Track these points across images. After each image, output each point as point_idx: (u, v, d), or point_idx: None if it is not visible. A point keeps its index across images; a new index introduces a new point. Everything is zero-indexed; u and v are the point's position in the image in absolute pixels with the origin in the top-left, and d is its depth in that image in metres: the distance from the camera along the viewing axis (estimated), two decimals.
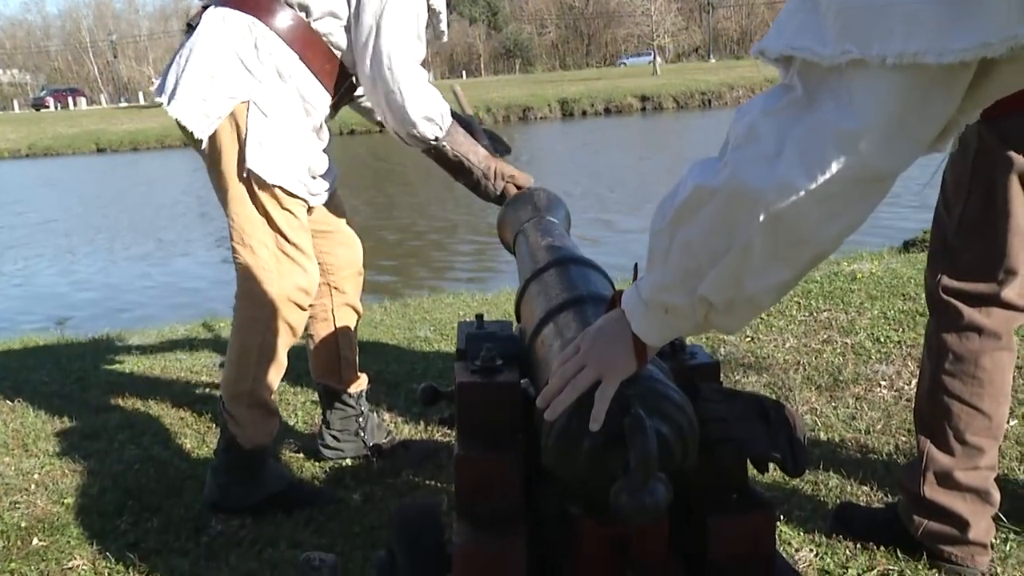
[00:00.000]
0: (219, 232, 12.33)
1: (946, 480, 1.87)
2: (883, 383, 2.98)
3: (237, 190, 2.21)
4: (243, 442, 2.33)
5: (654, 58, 47.00)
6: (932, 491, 1.88)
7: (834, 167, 0.88)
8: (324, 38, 2.22)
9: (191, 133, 2.19)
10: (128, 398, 3.39)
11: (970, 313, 1.83)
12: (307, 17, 2.20)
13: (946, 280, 1.86)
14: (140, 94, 75.38)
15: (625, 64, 65.06)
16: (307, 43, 2.20)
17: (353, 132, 26.24)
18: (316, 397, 3.24)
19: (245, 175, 2.20)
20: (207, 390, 3.43)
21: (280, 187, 2.22)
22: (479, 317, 1.59)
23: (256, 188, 2.21)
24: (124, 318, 6.81)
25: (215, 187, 2.27)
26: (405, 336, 4.05)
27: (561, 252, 1.61)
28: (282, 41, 2.18)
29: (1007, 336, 1.84)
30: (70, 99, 66.18)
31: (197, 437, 2.95)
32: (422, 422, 2.94)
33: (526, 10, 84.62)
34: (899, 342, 3.34)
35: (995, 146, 1.73)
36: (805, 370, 3.14)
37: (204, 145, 2.21)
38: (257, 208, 2.23)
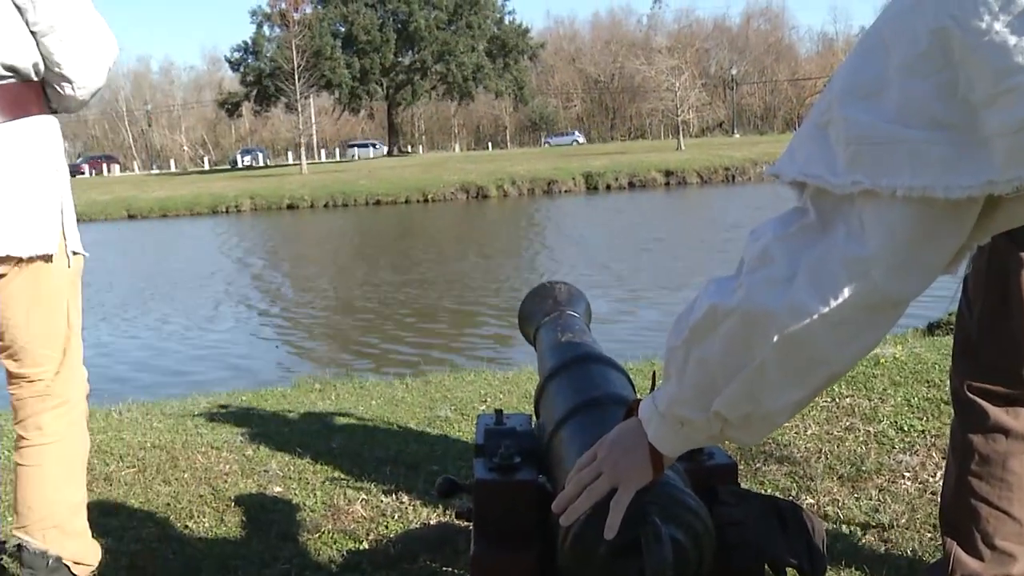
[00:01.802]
0: (237, 303, 12.46)
1: None
2: (907, 474, 2.94)
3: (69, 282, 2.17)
4: (88, 560, 2.23)
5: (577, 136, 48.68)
6: None
7: (846, 293, 0.90)
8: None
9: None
10: (148, 473, 3.41)
11: (996, 413, 1.80)
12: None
13: (970, 379, 1.84)
14: (171, 161, 76.91)
15: (550, 144, 67.37)
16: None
17: (379, 203, 26.56)
18: (336, 474, 3.25)
19: (68, 259, 2.15)
20: (227, 467, 3.44)
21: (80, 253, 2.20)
22: (498, 412, 1.60)
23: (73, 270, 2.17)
24: (147, 389, 6.86)
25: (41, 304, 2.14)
26: (425, 415, 4.05)
27: (581, 349, 1.63)
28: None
29: None
30: (104, 166, 67.70)
31: (216, 516, 2.95)
32: (440, 505, 2.93)
33: (552, 83, 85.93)
34: (923, 431, 3.31)
35: (1005, 247, 1.75)
36: (827, 459, 3.11)
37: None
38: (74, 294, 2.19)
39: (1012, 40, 0.77)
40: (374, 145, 70.38)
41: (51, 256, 2.09)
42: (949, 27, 0.80)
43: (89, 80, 2.12)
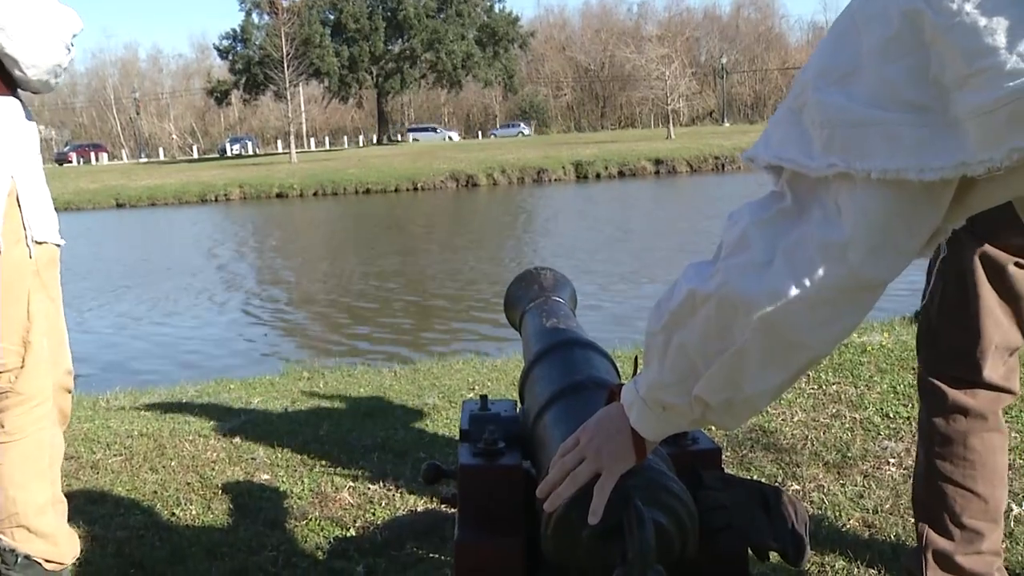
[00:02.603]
0: (227, 291, 12.43)
1: (948, 565, 1.86)
2: (892, 460, 2.96)
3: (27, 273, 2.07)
4: (59, 558, 2.14)
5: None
6: None
7: (823, 277, 0.90)
8: None
9: None
10: (135, 461, 3.40)
11: (954, 395, 1.87)
12: None
13: (931, 365, 1.92)
14: (160, 149, 76.55)
15: (495, 136, 67.17)
16: None
17: (368, 191, 26.48)
18: (324, 462, 3.25)
19: (29, 249, 2.04)
20: (215, 454, 3.44)
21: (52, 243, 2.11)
22: (483, 398, 1.60)
23: (35, 257, 2.07)
24: (134, 376, 6.84)
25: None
26: (414, 403, 4.05)
27: (566, 335, 1.63)
28: None
29: (994, 417, 1.86)
30: (92, 154, 67.32)
31: (203, 503, 2.94)
32: (428, 492, 2.93)
33: (542, 72, 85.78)
34: (908, 418, 3.32)
35: (963, 236, 1.80)
36: (813, 445, 3.13)
37: None
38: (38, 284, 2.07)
39: (982, 22, 0.78)
40: (435, 129, 68.50)
41: None
42: (920, 8, 0.81)
43: (39, 60, 2.01)
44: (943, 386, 1.88)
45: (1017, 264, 1.80)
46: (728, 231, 1.00)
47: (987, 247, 1.80)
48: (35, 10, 1.99)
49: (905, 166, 0.84)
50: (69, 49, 2.08)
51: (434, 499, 2.88)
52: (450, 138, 64.28)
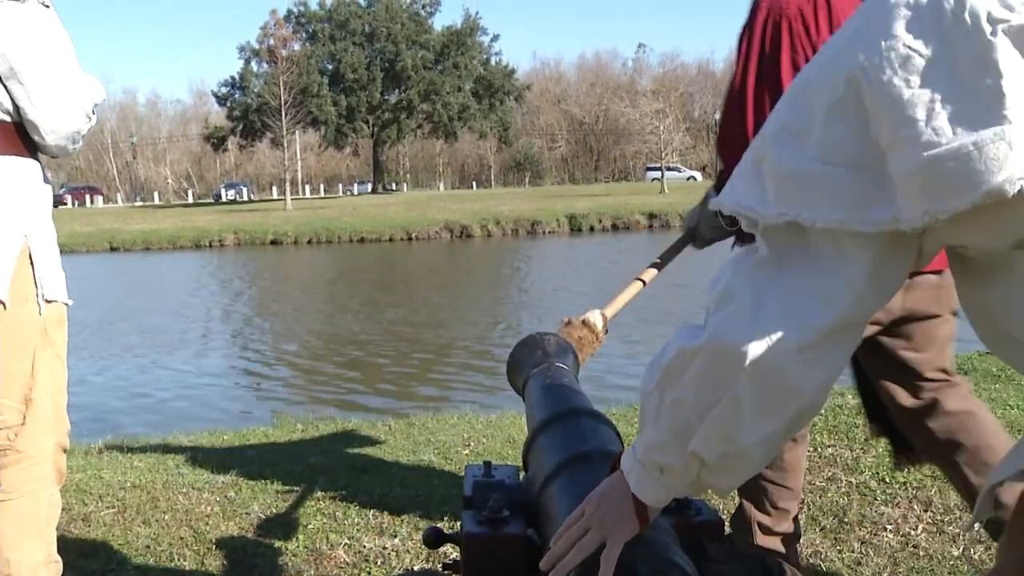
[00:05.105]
0: (219, 338, 12.40)
1: (768, 531, 2.42)
2: (889, 527, 2.96)
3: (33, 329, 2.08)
4: None
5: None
6: (760, 539, 2.42)
7: (809, 319, 0.96)
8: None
9: None
10: (127, 513, 3.37)
11: None
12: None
13: None
14: (155, 193, 76.79)
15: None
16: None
17: (363, 240, 26.55)
18: (319, 518, 3.23)
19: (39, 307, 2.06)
20: (209, 508, 3.41)
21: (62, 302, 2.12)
22: (487, 464, 1.61)
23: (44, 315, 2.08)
24: (120, 427, 6.79)
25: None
26: (409, 459, 4.04)
27: (571, 403, 1.64)
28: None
29: (804, 433, 2.55)
30: (88, 197, 67.46)
31: (196, 559, 2.92)
32: (424, 550, 2.92)
33: (537, 124, 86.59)
34: (904, 483, 3.32)
35: None
36: (810, 509, 3.12)
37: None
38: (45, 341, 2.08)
39: (906, 94, 0.87)
40: (678, 169, 60.75)
41: (2, 302, 2.00)
42: (859, 77, 0.90)
43: (58, 126, 2.05)
44: None
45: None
46: (711, 292, 1.06)
47: None
48: (59, 78, 2.03)
49: (848, 218, 0.92)
50: (89, 117, 2.12)
51: (430, 559, 2.86)
52: (693, 178, 60.00)
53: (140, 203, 69.83)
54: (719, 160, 2.53)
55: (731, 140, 2.32)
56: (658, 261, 2.70)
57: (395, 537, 3.04)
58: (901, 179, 0.88)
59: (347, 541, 3.01)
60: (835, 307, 0.96)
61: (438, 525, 1.63)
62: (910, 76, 0.87)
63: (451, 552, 2.32)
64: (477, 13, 65.21)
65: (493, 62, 66.44)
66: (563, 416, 1.60)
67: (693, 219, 2.67)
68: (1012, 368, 1.22)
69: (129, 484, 3.82)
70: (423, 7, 64.69)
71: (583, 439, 1.50)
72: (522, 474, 1.64)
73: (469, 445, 4.23)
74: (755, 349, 0.97)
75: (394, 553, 2.90)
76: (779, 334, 0.96)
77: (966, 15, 0.86)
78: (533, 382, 1.86)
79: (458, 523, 2.94)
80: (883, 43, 0.89)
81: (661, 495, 1.15)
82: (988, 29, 0.85)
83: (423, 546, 2.88)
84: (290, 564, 2.85)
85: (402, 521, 3.19)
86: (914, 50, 0.87)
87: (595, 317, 2.55)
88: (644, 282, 2.67)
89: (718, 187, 2.63)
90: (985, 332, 1.05)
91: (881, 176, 0.90)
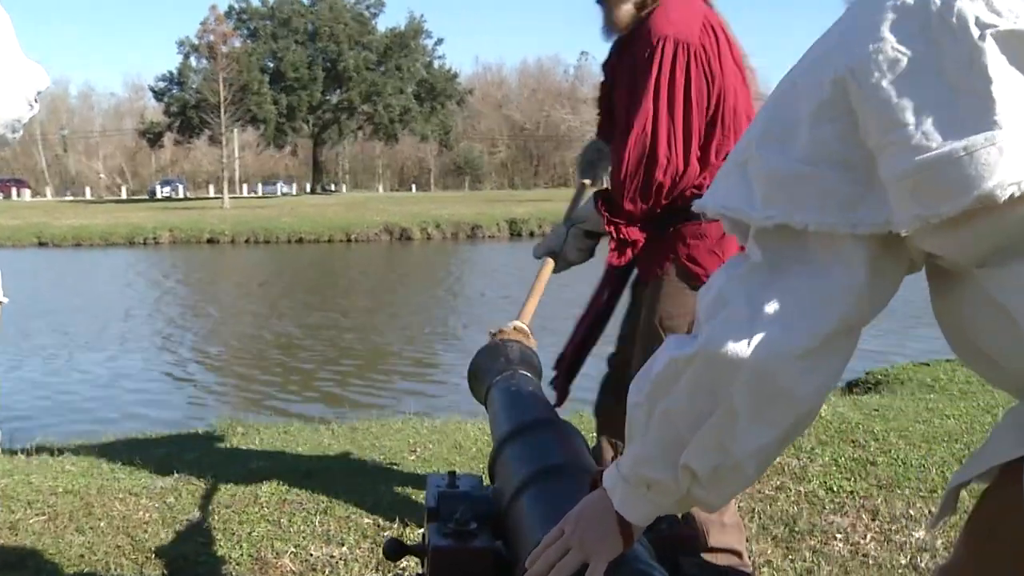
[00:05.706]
0: (152, 337, 12.13)
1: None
2: (839, 535, 2.98)
3: None
4: None
5: None
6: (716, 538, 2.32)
7: (808, 324, 0.94)
8: None
9: None
10: (59, 521, 3.24)
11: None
12: None
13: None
14: (87, 188, 74.94)
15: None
16: None
17: (301, 240, 26.26)
18: (263, 525, 3.14)
19: None
20: (147, 515, 3.29)
21: None
22: (451, 474, 1.56)
23: None
24: (51, 428, 6.56)
25: None
26: (354, 464, 3.96)
27: (537, 413, 1.61)
28: None
29: None
30: (14, 189, 65.49)
31: (135, 568, 2.82)
32: (373, 559, 2.85)
33: (478, 129, 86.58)
34: (852, 492, 3.36)
35: None
36: (760, 519, 3.13)
37: None
38: None
39: (895, 98, 0.86)
40: None
41: None
42: (847, 78, 0.89)
43: None
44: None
45: None
46: (702, 300, 1.03)
47: None
48: None
49: (840, 220, 0.90)
50: (32, 105, 2.02)
51: (379, 568, 2.80)
52: None
53: (71, 197, 68.10)
54: (639, 199, 2.41)
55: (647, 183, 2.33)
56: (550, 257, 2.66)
57: (343, 545, 2.97)
58: (891, 183, 0.88)
59: (293, 549, 2.93)
60: (834, 310, 0.94)
61: (395, 536, 1.57)
62: (898, 78, 0.86)
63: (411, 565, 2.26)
64: (422, 16, 64.86)
65: (436, 65, 66.25)
66: (531, 426, 1.56)
67: (557, 241, 2.57)
68: (984, 380, 1.21)
69: (61, 489, 3.67)
70: (367, 8, 64.20)
71: (553, 451, 1.46)
72: (487, 484, 1.60)
73: (415, 450, 4.16)
74: (752, 355, 0.94)
75: (342, 562, 2.83)
76: (777, 339, 0.93)
77: (953, 19, 0.85)
78: (496, 391, 1.82)
79: (411, 532, 2.88)
80: (871, 45, 0.88)
81: (648, 512, 1.12)
82: (976, 33, 0.84)
83: (372, 555, 2.82)
84: (234, 573, 2.76)
85: (349, 528, 3.11)
86: (902, 52, 0.87)
87: (521, 326, 2.47)
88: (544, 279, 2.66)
89: (567, 217, 2.62)
90: (957, 345, 1.04)
91: (870, 177, 0.90)
